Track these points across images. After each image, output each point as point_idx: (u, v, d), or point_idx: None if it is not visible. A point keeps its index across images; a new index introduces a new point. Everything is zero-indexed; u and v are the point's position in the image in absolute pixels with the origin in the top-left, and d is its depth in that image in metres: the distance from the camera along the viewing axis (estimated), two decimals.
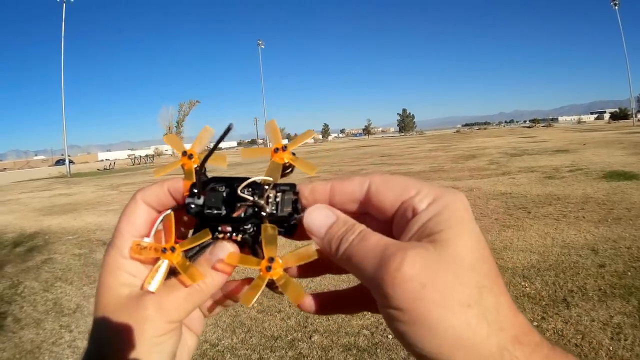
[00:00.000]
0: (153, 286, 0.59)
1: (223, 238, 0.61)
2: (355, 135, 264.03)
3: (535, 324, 4.83)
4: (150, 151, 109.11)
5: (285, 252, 0.59)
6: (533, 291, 5.67)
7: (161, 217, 0.63)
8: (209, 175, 0.64)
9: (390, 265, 0.46)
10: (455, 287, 0.45)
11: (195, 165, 0.63)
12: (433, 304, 0.44)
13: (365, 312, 0.61)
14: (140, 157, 77.08)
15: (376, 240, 0.51)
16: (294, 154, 0.63)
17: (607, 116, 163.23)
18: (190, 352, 0.68)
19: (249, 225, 0.60)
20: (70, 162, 61.68)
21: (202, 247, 0.62)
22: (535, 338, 0.47)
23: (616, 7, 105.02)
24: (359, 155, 39.95)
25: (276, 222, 0.59)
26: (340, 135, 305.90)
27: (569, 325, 4.74)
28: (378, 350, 4.64)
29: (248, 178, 0.60)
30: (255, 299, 0.57)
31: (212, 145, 0.62)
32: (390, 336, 4.81)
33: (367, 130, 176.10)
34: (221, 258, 0.60)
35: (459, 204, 0.52)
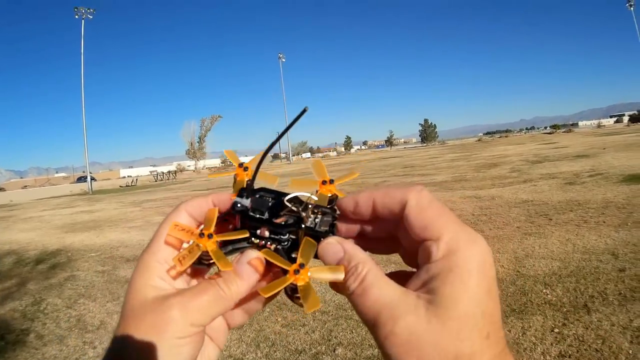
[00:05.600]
0: (180, 264, 0.63)
1: (257, 244, 0.66)
2: (377, 147, 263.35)
3: (557, 330, 4.84)
4: (172, 167, 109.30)
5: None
6: (554, 298, 5.66)
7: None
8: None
9: (383, 329, 0.53)
10: (432, 355, 0.50)
11: (248, 179, 0.69)
12: None
13: None
14: (163, 173, 77.06)
15: (375, 298, 0.55)
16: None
17: (626, 119, 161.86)
18: None
19: (286, 236, 0.66)
20: (92, 179, 61.81)
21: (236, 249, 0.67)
22: None
23: (632, 9, 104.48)
24: (382, 167, 39.71)
25: (312, 237, 0.64)
26: (363, 147, 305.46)
27: (589, 331, 4.73)
28: None
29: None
30: (273, 293, 0.61)
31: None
32: None
33: (389, 142, 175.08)
34: (248, 268, 0.64)
35: (472, 262, 0.53)
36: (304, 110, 0.65)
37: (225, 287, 0.62)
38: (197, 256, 0.63)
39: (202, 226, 0.66)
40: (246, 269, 0.64)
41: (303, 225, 0.64)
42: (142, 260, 0.64)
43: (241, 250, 0.67)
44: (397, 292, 0.55)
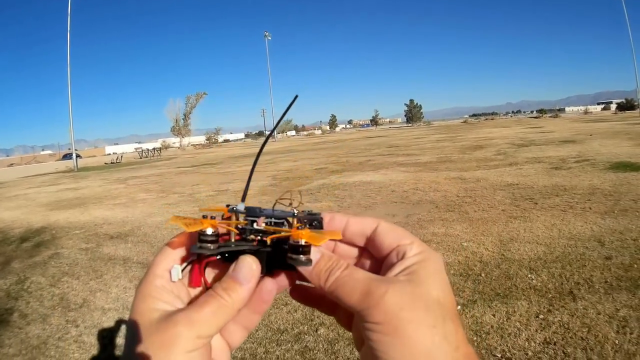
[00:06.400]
0: (186, 227, 0.63)
1: (253, 241, 0.67)
2: (362, 126, 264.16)
3: (542, 316, 4.85)
4: (157, 144, 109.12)
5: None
6: (539, 283, 5.67)
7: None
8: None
9: (376, 292, 0.58)
10: (424, 313, 0.57)
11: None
12: (406, 321, 0.56)
13: None
14: (148, 150, 76.80)
15: (363, 274, 0.63)
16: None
17: (613, 107, 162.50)
18: None
19: (281, 227, 0.68)
20: (78, 156, 61.49)
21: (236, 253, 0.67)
22: None
23: None
24: (367, 146, 40.08)
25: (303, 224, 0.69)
26: (348, 126, 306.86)
27: (574, 318, 4.74)
28: None
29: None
30: (277, 237, 0.65)
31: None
32: None
33: (374, 121, 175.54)
34: (245, 273, 0.65)
35: (436, 259, 0.64)
36: (295, 98, 0.71)
37: (226, 296, 0.63)
38: (200, 227, 0.63)
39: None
40: (243, 275, 0.65)
41: (295, 213, 0.68)
42: (141, 288, 0.64)
43: (237, 256, 0.67)
44: (378, 275, 0.63)
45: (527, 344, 4.39)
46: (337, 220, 0.71)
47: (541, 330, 4.58)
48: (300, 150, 45.30)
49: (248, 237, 0.67)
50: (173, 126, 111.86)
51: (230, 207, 0.69)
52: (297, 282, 0.72)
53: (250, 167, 0.75)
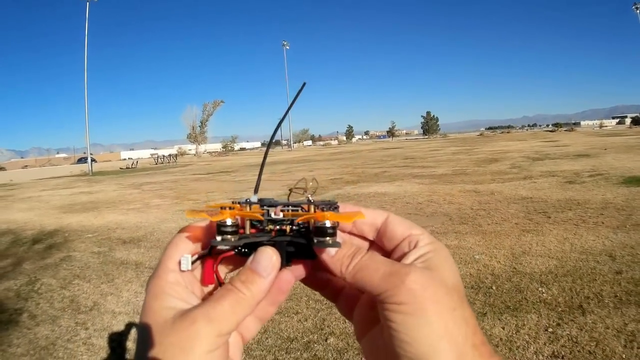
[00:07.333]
0: (208, 216, 0.62)
1: (272, 231, 0.66)
2: (379, 137, 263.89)
3: (551, 330, 4.84)
4: (173, 151, 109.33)
5: None
6: (550, 297, 5.64)
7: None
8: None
9: (401, 273, 0.59)
10: (445, 295, 0.58)
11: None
12: (430, 301, 0.57)
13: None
14: (164, 156, 76.85)
15: (384, 258, 0.63)
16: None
17: (628, 121, 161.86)
18: None
19: (297, 209, 0.67)
20: (93, 160, 61.71)
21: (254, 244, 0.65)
22: (491, 349, 0.60)
23: (638, 11, 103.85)
24: (383, 157, 40.06)
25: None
26: (364, 137, 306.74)
27: (583, 332, 4.72)
28: None
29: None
30: (303, 218, 0.64)
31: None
32: None
33: (391, 133, 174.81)
34: (265, 264, 0.63)
35: (445, 250, 0.66)
36: (303, 85, 0.73)
37: (245, 289, 0.60)
38: (221, 217, 0.62)
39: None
40: (263, 266, 0.62)
41: (312, 200, 0.67)
42: (153, 285, 0.62)
43: (253, 250, 0.65)
44: (397, 261, 0.64)
45: (535, 357, 4.37)
46: (349, 209, 0.70)
47: (549, 344, 4.57)
48: (316, 160, 45.44)
49: (266, 228, 0.66)
50: (189, 133, 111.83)
51: (246, 199, 0.68)
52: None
53: (261, 171, 0.75)
